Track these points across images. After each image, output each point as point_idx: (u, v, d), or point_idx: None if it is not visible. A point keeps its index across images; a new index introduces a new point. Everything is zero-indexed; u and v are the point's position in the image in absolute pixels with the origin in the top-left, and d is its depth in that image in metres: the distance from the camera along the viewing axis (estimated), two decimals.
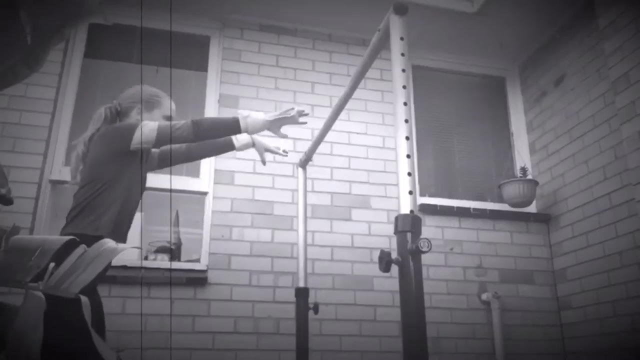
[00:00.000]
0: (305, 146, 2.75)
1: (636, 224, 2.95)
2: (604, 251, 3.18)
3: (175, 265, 3.13)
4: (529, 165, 3.84)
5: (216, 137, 2.08)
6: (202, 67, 3.61)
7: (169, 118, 2.14)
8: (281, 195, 3.33)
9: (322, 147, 3.32)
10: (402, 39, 1.52)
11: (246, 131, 2.04)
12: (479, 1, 3.45)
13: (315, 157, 2.86)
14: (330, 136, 2.54)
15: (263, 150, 2.42)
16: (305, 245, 2.57)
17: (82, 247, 0.93)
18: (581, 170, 3.40)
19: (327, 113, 2.40)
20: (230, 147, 2.38)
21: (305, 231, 2.60)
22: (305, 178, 2.74)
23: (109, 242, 0.96)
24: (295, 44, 3.71)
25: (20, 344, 0.84)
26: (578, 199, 3.41)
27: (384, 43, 1.70)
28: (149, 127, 1.93)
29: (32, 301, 0.87)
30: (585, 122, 3.41)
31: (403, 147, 1.39)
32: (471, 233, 3.57)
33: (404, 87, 1.47)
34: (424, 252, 1.26)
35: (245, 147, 2.42)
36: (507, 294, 3.46)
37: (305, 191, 2.71)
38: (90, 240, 1.57)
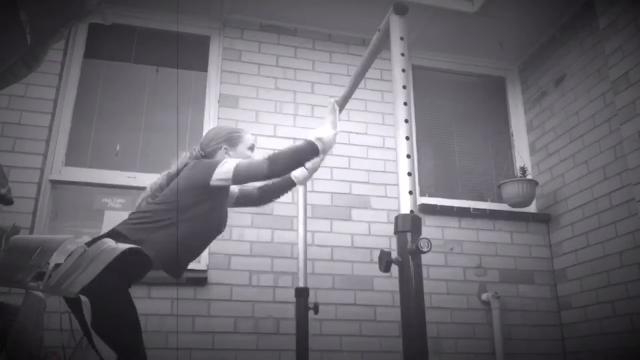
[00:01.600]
0: None
1: (636, 224, 2.95)
2: (604, 251, 3.18)
3: None
4: (528, 165, 3.84)
5: (294, 168, 2.02)
6: (202, 67, 3.61)
7: (253, 147, 2.19)
8: None
9: None
10: (402, 38, 1.52)
11: (323, 152, 1.99)
12: (479, 1, 3.45)
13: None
14: None
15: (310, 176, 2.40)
16: (305, 245, 2.58)
17: (82, 247, 0.93)
18: (581, 170, 3.40)
19: (327, 113, 2.40)
20: (292, 184, 2.37)
21: (305, 231, 2.60)
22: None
23: (109, 242, 0.96)
24: (295, 44, 3.71)
25: (21, 343, 0.84)
26: (578, 199, 3.41)
27: (384, 43, 1.70)
28: (227, 165, 1.95)
29: (32, 301, 0.87)
30: (585, 122, 3.41)
31: (403, 147, 1.39)
32: (471, 233, 3.57)
33: (404, 87, 1.47)
34: (424, 252, 1.26)
35: (304, 180, 2.39)
36: (507, 294, 3.46)
37: (306, 191, 2.71)
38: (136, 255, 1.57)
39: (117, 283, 1.78)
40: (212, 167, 1.95)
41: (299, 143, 2.00)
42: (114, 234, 1.85)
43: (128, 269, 1.82)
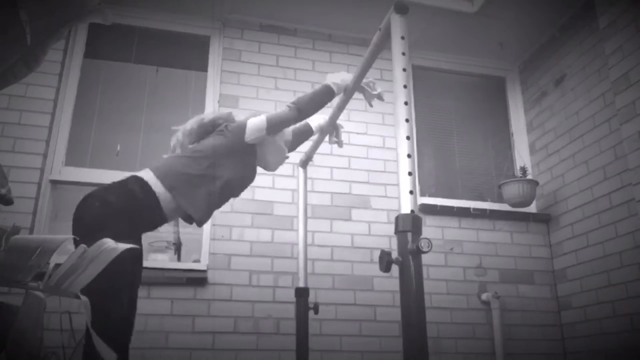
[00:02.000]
0: (304, 146, 2.75)
1: (636, 224, 2.95)
2: (604, 251, 3.18)
3: (175, 265, 3.12)
4: (529, 165, 3.84)
5: (318, 109, 2.16)
6: (202, 67, 3.61)
7: (288, 142, 2.32)
8: (281, 195, 3.33)
9: (322, 147, 3.31)
10: (402, 38, 1.52)
11: (339, 93, 2.19)
12: (479, 1, 3.45)
13: (315, 157, 2.86)
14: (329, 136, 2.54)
15: (334, 129, 2.47)
16: (306, 245, 2.57)
17: (82, 247, 0.93)
18: (581, 170, 3.40)
19: (327, 112, 2.40)
20: (310, 132, 2.49)
21: (306, 231, 2.60)
22: (306, 178, 2.74)
23: (109, 242, 0.96)
24: (295, 44, 3.71)
25: (21, 343, 0.84)
26: (578, 199, 3.41)
27: (385, 42, 1.70)
28: (257, 119, 2.07)
29: (32, 301, 0.87)
30: (585, 122, 3.41)
31: (404, 147, 1.39)
32: (471, 233, 3.57)
33: (405, 86, 1.47)
34: (424, 252, 1.26)
35: (320, 129, 2.49)
36: (507, 294, 3.46)
37: (306, 191, 2.71)
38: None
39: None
40: (242, 126, 2.06)
41: (316, 87, 2.19)
42: (136, 179, 1.87)
43: (143, 215, 1.88)
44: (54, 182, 3.12)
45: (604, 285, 3.15)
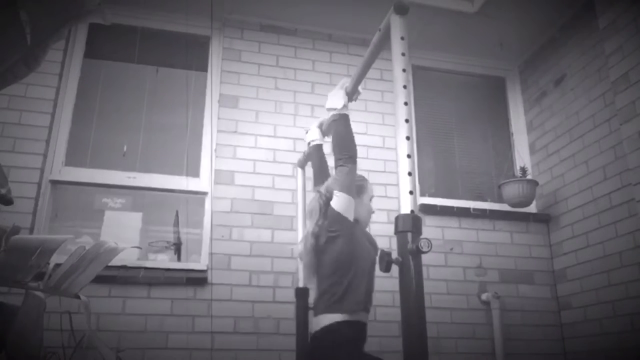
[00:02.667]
0: (304, 146, 2.75)
1: (636, 224, 2.95)
2: (604, 251, 3.18)
3: (175, 265, 3.12)
4: (529, 165, 3.84)
5: (353, 139, 2.14)
6: (202, 67, 3.61)
7: (372, 199, 2.31)
8: (281, 195, 3.33)
9: None
10: (402, 38, 1.52)
11: (347, 108, 2.21)
12: (479, 1, 3.45)
13: None
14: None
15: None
16: None
17: (82, 247, 0.93)
18: (581, 170, 3.40)
19: (327, 113, 2.40)
20: (321, 149, 2.56)
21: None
22: (305, 178, 2.73)
23: (109, 242, 0.96)
24: (295, 44, 3.71)
25: (21, 343, 0.84)
26: (578, 199, 3.41)
27: (385, 43, 1.71)
28: (339, 199, 2.04)
29: (32, 301, 0.87)
30: (585, 122, 3.41)
31: (403, 147, 1.39)
32: (471, 233, 3.57)
33: (405, 86, 1.47)
34: (424, 252, 1.26)
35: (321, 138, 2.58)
36: (507, 294, 3.46)
37: (305, 191, 2.70)
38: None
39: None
40: (341, 217, 2.03)
41: (337, 127, 2.14)
42: (331, 326, 2.00)
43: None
44: (54, 182, 3.12)
45: (604, 285, 3.15)
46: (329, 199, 2.09)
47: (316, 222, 2.10)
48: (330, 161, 2.31)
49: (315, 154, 2.51)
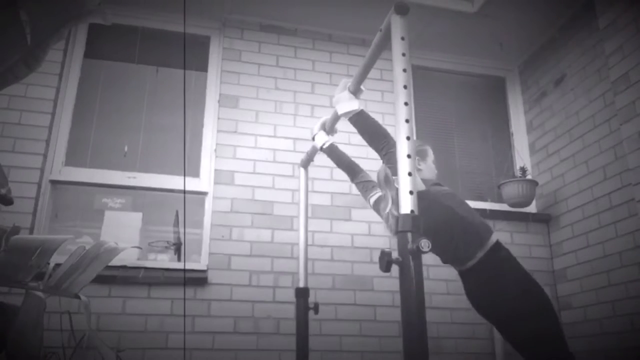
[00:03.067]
0: (305, 146, 2.75)
1: (636, 224, 2.95)
2: (604, 251, 3.18)
3: (175, 265, 3.12)
4: (528, 165, 3.84)
5: (380, 125, 2.16)
6: (202, 67, 3.61)
7: (433, 160, 2.40)
8: (281, 195, 3.33)
9: None
10: (403, 38, 1.52)
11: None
12: (479, 1, 3.45)
13: (315, 157, 2.85)
14: (333, 136, 2.54)
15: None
16: (306, 245, 2.57)
17: (82, 247, 0.93)
18: (581, 170, 3.40)
19: (327, 113, 2.40)
20: (336, 149, 2.58)
21: (306, 231, 2.60)
22: (307, 178, 2.73)
23: (109, 242, 0.96)
24: (295, 44, 3.71)
25: (21, 343, 0.84)
26: (578, 199, 3.41)
27: (385, 43, 1.70)
28: (408, 176, 2.06)
29: (32, 301, 0.87)
30: (585, 122, 3.41)
31: (404, 147, 1.39)
32: None
33: (405, 87, 1.47)
34: (424, 252, 1.26)
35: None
36: None
37: (307, 191, 2.70)
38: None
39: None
40: (421, 185, 2.05)
41: (362, 126, 2.13)
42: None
43: None
44: (54, 182, 3.12)
45: (604, 285, 3.15)
46: (388, 174, 2.12)
47: (391, 204, 2.12)
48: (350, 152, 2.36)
49: (333, 155, 2.50)
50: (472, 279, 2.08)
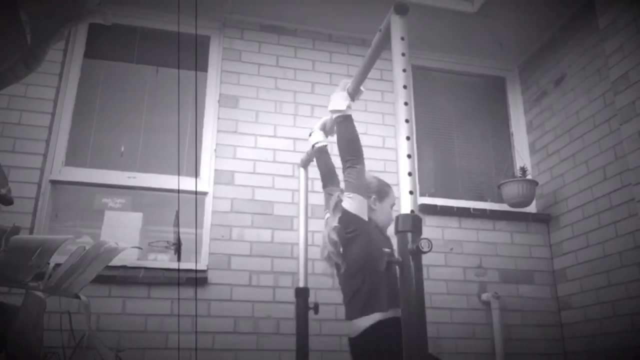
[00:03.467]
0: (304, 146, 2.75)
1: (636, 224, 2.95)
2: (604, 251, 3.18)
3: (175, 265, 3.12)
4: (528, 165, 3.84)
5: (359, 140, 2.14)
6: (202, 67, 3.61)
7: (394, 204, 2.25)
8: (281, 195, 3.33)
9: None
10: (402, 39, 1.52)
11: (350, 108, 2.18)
12: (479, 1, 3.45)
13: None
14: (329, 137, 2.54)
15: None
16: (306, 245, 2.57)
17: (82, 247, 0.93)
18: (581, 170, 3.40)
19: (327, 113, 2.40)
20: (325, 151, 2.54)
21: (307, 231, 2.60)
22: (307, 178, 2.73)
23: (109, 242, 0.96)
24: (295, 44, 3.71)
25: (21, 343, 0.84)
26: (578, 199, 3.41)
27: (385, 43, 1.70)
28: (352, 200, 2.03)
29: (32, 301, 0.87)
30: (585, 122, 3.41)
31: (404, 147, 1.39)
32: (471, 233, 3.57)
33: (405, 87, 1.47)
34: (424, 252, 1.26)
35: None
36: (507, 294, 3.46)
37: (307, 191, 2.70)
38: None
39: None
40: (354, 216, 2.02)
41: (341, 128, 2.12)
42: (375, 325, 1.97)
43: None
44: (54, 182, 3.12)
45: (604, 285, 3.15)
46: (340, 201, 2.09)
47: (332, 227, 2.10)
48: (336, 161, 2.30)
49: (321, 157, 2.50)
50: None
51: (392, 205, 2.26)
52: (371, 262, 1.97)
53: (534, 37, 3.84)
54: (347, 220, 2.03)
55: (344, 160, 2.07)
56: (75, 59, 3.38)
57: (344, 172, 2.07)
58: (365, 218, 2.02)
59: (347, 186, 2.05)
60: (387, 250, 1.30)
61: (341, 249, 2.07)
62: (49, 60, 3.15)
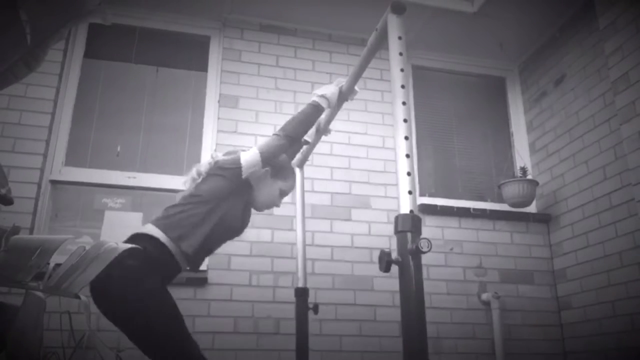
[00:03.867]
0: (304, 146, 2.75)
1: (636, 224, 2.95)
2: (604, 251, 3.18)
3: None
4: (529, 165, 3.84)
5: (307, 130, 2.14)
6: (202, 67, 3.61)
7: (285, 193, 2.22)
8: None
9: (322, 147, 3.32)
10: (400, 38, 1.52)
11: (330, 107, 2.15)
12: (479, 1, 3.45)
13: (315, 157, 2.86)
14: (330, 136, 2.54)
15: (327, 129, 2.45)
16: (304, 245, 2.57)
17: (82, 247, 0.93)
18: (581, 170, 3.40)
19: (327, 113, 2.40)
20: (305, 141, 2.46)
21: (304, 231, 2.60)
22: (303, 178, 2.73)
23: (109, 242, 0.96)
24: (295, 44, 3.71)
25: (21, 343, 0.84)
26: (578, 199, 3.41)
27: (382, 43, 1.70)
28: (250, 153, 2.00)
29: (32, 301, 0.87)
30: (585, 122, 3.41)
31: (402, 147, 1.39)
32: (471, 233, 3.57)
33: (403, 86, 1.46)
34: (424, 252, 1.26)
35: (317, 138, 2.49)
36: (507, 294, 3.46)
37: (303, 191, 2.70)
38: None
39: (155, 285, 1.79)
40: (237, 162, 1.98)
41: (303, 107, 2.13)
42: (143, 236, 1.83)
43: (162, 270, 1.86)
44: (54, 182, 3.12)
45: (604, 285, 3.15)
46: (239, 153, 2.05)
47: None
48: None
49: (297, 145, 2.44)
50: None
51: (283, 192, 2.20)
52: (214, 211, 1.91)
53: (534, 37, 3.84)
54: (232, 161, 1.98)
55: (282, 129, 2.05)
56: (75, 59, 3.38)
57: (272, 135, 2.05)
58: (244, 175, 1.96)
59: (260, 144, 2.03)
60: (386, 250, 1.30)
61: (201, 177, 2.00)
62: (49, 60, 3.15)
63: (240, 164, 1.96)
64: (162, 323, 1.75)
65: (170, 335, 1.75)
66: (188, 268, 1.96)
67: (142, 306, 1.73)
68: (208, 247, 1.97)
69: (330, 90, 2.14)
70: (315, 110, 2.10)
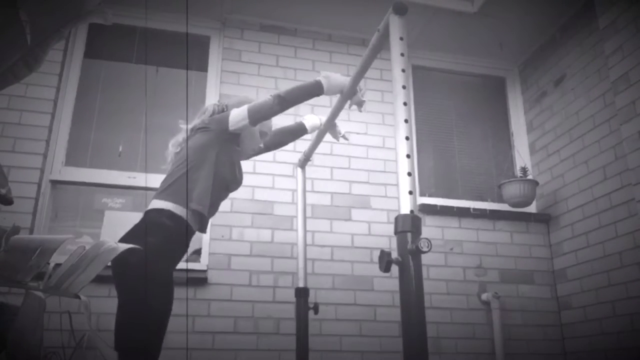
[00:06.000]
0: (304, 146, 2.75)
1: (636, 224, 2.95)
2: (604, 251, 3.18)
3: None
4: (529, 165, 3.84)
5: (300, 101, 2.12)
6: (202, 67, 3.61)
7: (265, 134, 2.27)
8: (281, 195, 3.33)
9: (322, 147, 3.32)
10: (401, 39, 1.52)
11: (327, 92, 2.11)
12: (479, 1, 3.45)
13: (315, 157, 2.86)
14: (330, 136, 2.54)
15: (335, 127, 2.44)
16: (305, 245, 2.57)
17: (82, 247, 0.93)
18: (581, 170, 3.40)
19: (327, 113, 2.40)
20: (303, 131, 2.48)
21: (305, 231, 2.60)
22: (305, 178, 2.73)
23: (109, 242, 0.96)
24: (295, 44, 3.71)
25: (21, 343, 0.84)
26: (578, 199, 3.41)
27: (384, 43, 1.70)
28: (238, 110, 2.04)
29: (32, 301, 0.87)
30: (585, 122, 3.41)
31: (403, 147, 1.39)
32: (471, 233, 3.57)
33: (404, 87, 1.46)
34: (424, 252, 1.26)
35: (315, 129, 2.49)
36: (507, 294, 3.46)
37: (305, 191, 2.70)
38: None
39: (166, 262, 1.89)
40: (225, 116, 2.04)
41: (306, 81, 2.12)
42: (155, 212, 1.89)
43: (180, 240, 1.92)
44: (54, 182, 3.12)
45: (604, 285, 3.15)
46: (227, 106, 2.12)
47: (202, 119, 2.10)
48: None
49: (291, 132, 2.48)
50: None
51: (263, 133, 2.25)
52: (208, 162, 1.97)
53: (534, 37, 3.84)
54: (218, 118, 2.04)
55: (278, 92, 2.06)
56: (75, 59, 3.38)
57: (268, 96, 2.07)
58: (230, 129, 2.01)
59: (252, 103, 2.06)
60: (386, 250, 1.30)
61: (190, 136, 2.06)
62: (49, 60, 3.15)
63: (227, 117, 2.02)
64: (160, 302, 1.94)
65: (156, 314, 1.94)
66: (198, 229, 2.02)
67: (151, 280, 1.86)
68: (213, 201, 2.01)
69: (336, 75, 2.13)
70: (313, 85, 2.09)
